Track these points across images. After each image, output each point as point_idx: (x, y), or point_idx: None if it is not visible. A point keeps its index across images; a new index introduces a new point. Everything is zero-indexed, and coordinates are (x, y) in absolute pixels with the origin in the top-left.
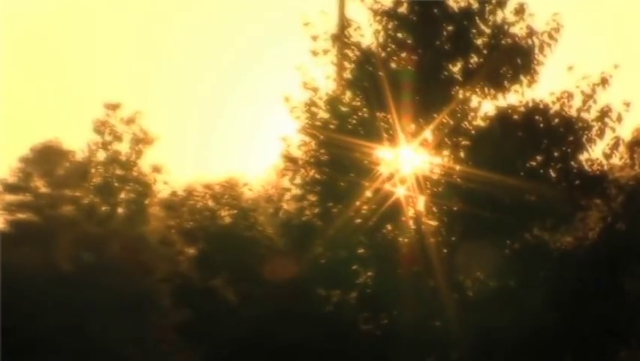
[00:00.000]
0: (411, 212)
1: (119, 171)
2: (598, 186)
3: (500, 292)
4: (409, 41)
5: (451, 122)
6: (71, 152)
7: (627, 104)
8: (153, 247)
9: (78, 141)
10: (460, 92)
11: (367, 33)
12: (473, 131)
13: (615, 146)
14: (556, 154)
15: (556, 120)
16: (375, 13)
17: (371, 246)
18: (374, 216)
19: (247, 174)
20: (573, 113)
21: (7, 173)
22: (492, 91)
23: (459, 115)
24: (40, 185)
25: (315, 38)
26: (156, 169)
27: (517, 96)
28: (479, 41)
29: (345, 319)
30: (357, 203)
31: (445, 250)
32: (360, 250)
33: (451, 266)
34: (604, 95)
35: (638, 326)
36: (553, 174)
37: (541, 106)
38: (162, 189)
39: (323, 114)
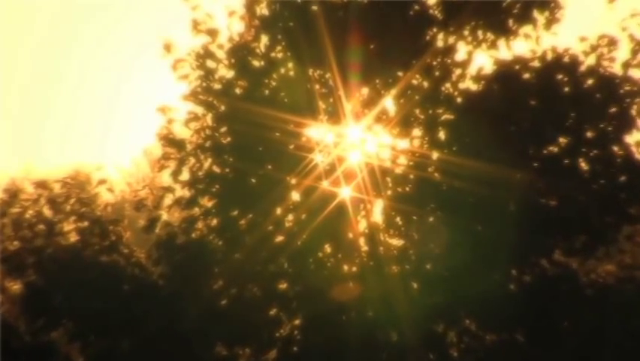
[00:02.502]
0: (362, 225)
1: None
2: None
3: (503, 351)
4: None
5: (425, 85)
6: None
7: None
8: None
9: None
10: (440, 36)
11: None
12: (460, 99)
13: None
14: (589, 134)
15: (590, 81)
16: None
17: (299, 279)
18: (304, 232)
19: (104, 165)
20: (616, 69)
21: None
22: (489, 35)
23: (437, 73)
24: None
25: None
26: None
27: (528, 44)
28: None
29: None
30: (278, 210)
31: (415, 285)
32: (282, 285)
33: (425, 310)
34: None
35: None
36: (585, 166)
37: (566, 59)
38: None
39: (224, 71)
